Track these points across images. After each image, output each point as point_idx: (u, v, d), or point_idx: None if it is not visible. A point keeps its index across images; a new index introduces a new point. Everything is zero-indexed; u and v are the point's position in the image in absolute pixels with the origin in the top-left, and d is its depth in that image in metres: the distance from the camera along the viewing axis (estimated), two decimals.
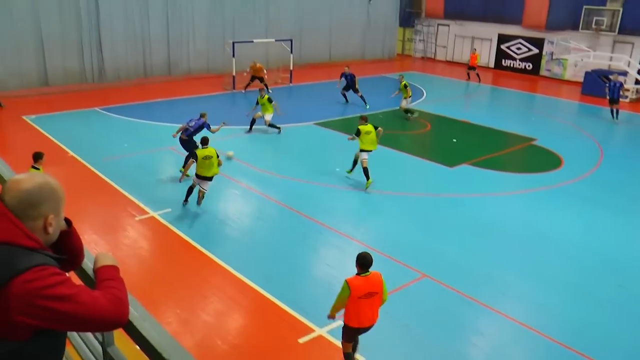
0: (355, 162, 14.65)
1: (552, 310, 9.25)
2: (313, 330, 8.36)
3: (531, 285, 9.98)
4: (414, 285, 9.76)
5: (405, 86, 21.22)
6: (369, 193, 13.86)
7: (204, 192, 12.42)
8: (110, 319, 2.06)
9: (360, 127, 14.05)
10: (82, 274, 2.39)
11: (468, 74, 30.13)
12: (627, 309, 9.31)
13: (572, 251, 11.27)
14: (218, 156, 12.34)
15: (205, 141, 12.44)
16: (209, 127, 14.46)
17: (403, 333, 8.50)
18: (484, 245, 11.38)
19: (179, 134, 14.36)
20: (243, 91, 24.56)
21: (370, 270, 6.86)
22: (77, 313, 1.98)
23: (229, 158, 15.46)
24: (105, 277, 2.22)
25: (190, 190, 12.66)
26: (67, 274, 2.08)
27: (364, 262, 6.80)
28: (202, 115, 14.54)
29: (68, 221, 2.35)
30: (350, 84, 23.00)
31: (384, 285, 6.95)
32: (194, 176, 12.48)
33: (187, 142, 14.29)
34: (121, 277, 2.27)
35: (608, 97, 22.27)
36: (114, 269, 2.30)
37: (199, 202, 12.53)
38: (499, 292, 9.70)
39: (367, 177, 13.90)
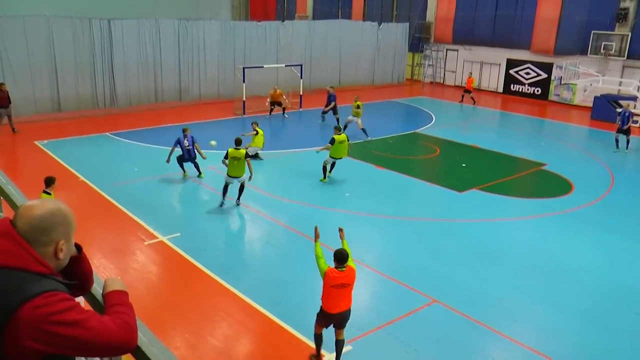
0: (325, 169, 16.28)
1: (564, 336, 9.13)
2: (323, 356, 8.29)
3: (543, 311, 9.87)
4: (424, 311, 9.69)
5: (358, 106, 21.87)
6: (377, 218, 13.82)
7: (243, 184, 14.04)
8: (119, 344, 2.06)
9: (335, 136, 15.95)
10: (92, 299, 2.41)
11: (462, 97, 30.51)
12: None
13: (584, 277, 11.16)
14: (247, 155, 13.76)
15: (238, 142, 13.93)
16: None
17: (413, 358, 8.41)
18: (494, 270, 11.29)
19: (170, 156, 15.80)
20: (268, 116, 24.87)
21: (346, 266, 7.75)
22: (87, 339, 1.99)
23: (212, 147, 15.99)
24: (115, 302, 2.24)
25: (225, 190, 14.05)
26: (76, 300, 2.09)
27: (339, 257, 7.73)
28: (184, 130, 15.98)
29: (78, 247, 2.38)
30: (333, 100, 23.60)
31: (355, 272, 7.88)
32: (226, 175, 13.91)
33: (193, 159, 16.10)
34: (130, 303, 2.28)
35: (618, 126, 21.49)
36: (123, 294, 2.31)
37: (238, 199, 14.19)
38: (510, 317, 9.60)
39: (325, 176, 16.22)
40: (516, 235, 13.09)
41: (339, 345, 8.00)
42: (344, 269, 7.71)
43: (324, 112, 24.26)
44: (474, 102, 30.11)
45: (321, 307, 7.91)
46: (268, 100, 25.18)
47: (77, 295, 2.32)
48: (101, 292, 2.34)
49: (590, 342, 8.97)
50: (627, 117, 20.94)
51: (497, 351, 8.80)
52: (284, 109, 25.18)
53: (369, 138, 21.25)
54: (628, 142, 21.31)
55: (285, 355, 8.46)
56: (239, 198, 14.24)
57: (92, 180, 15.72)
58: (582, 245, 12.74)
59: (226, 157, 13.77)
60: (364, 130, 21.38)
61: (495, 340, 8.99)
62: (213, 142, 15.84)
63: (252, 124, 18.09)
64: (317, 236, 8.53)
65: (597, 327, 9.40)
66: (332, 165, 16.46)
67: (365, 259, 11.52)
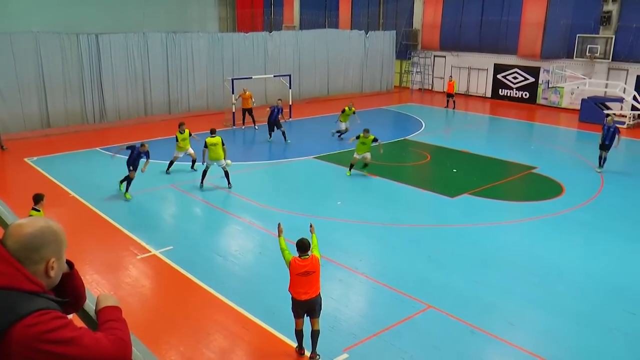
0: (352, 165, 17.79)
1: (561, 339, 9.15)
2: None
3: (538, 314, 9.89)
4: (419, 317, 9.68)
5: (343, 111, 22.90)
6: (370, 226, 13.83)
7: (226, 167, 16.28)
8: None
9: (371, 137, 17.69)
10: (85, 315, 2.39)
11: (447, 102, 30.74)
12: (637, 336, 9.21)
13: (578, 279, 11.20)
14: (223, 144, 16.17)
15: (212, 131, 16.42)
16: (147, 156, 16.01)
17: None
18: (488, 274, 11.31)
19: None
20: (256, 127, 24.69)
21: (309, 253, 8.21)
22: (80, 356, 1.97)
23: (227, 165, 16.46)
24: (108, 319, 2.22)
25: (204, 174, 16.25)
26: (69, 317, 2.08)
27: (301, 245, 8.20)
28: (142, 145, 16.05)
29: (70, 263, 2.36)
30: (275, 118, 22.02)
31: (319, 259, 8.32)
32: (208, 160, 16.03)
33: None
34: (123, 318, 2.27)
35: (600, 141, 18.89)
36: (116, 309, 2.29)
37: (229, 184, 16.26)
38: (505, 321, 9.61)
39: (350, 169, 17.82)
40: (509, 239, 13.13)
41: (314, 335, 8.33)
42: (307, 256, 8.18)
43: (271, 128, 22.41)
44: (454, 106, 30.45)
45: (291, 296, 8.34)
46: (236, 98, 24.79)
47: (70, 313, 2.30)
48: (94, 308, 2.33)
49: (587, 344, 8.99)
50: (612, 133, 18.47)
51: (494, 355, 8.80)
52: (254, 121, 24.80)
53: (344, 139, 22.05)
54: (605, 159, 18.83)
55: None
56: (229, 182, 16.27)
57: (83, 195, 15.64)
58: (574, 247, 12.80)
59: (205, 146, 16.04)
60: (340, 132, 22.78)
61: (491, 344, 8.99)
62: (229, 162, 16.51)
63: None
64: (280, 232, 8.84)
65: (593, 328, 9.42)
66: (363, 157, 17.75)
67: (359, 266, 11.52)
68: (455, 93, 31.11)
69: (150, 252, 12.20)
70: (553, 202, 15.78)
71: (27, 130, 22.85)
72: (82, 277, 2.43)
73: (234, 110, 25.17)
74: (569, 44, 30.10)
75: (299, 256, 8.24)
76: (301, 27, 42.32)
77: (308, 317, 8.40)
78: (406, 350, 8.65)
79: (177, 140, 17.73)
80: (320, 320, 8.42)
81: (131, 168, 15.49)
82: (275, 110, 22.06)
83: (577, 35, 29.30)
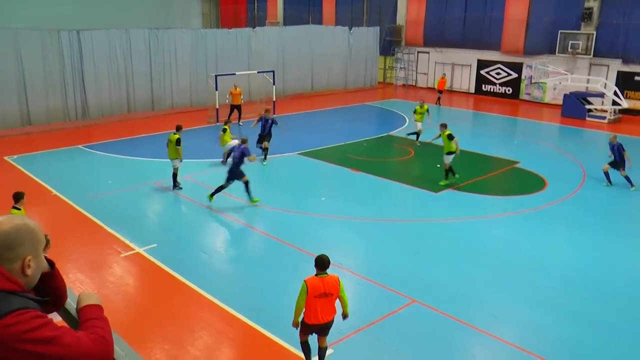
0: (447, 171, 16.71)
1: (544, 331, 9.24)
2: None
3: (522, 307, 9.98)
4: (404, 311, 9.72)
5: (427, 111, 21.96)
6: (354, 221, 13.86)
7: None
8: (95, 359, 2.03)
9: (448, 132, 16.56)
10: (66, 314, 2.37)
11: (438, 99, 30.69)
12: (618, 327, 9.33)
13: (560, 271, 11.32)
14: (178, 143, 15.43)
15: (177, 127, 15.75)
16: (248, 153, 14.90)
17: (394, 359, 8.44)
18: (472, 268, 11.39)
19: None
20: (240, 124, 24.56)
21: (327, 272, 7.36)
22: (61, 355, 1.95)
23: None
24: (89, 317, 2.20)
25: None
26: (49, 316, 2.06)
27: (320, 263, 7.33)
28: (243, 142, 15.19)
29: (51, 262, 2.34)
30: (268, 131, 18.96)
31: (340, 287, 7.42)
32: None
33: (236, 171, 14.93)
34: (105, 316, 2.25)
35: (610, 161, 17.01)
36: (97, 308, 2.27)
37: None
38: (490, 315, 9.68)
39: (453, 173, 16.68)
40: (493, 233, 13.22)
41: (321, 352, 7.91)
42: (325, 275, 7.33)
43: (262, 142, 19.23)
44: (439, 102, 30.40)
45: (304, 321, 7.55)
46: (227, 96, 24.77)
47: (51, 312, 2.28)
48: (75, 307, 2.31)
49: (570, 336, 9.09)
50: (618, 150, 16.69)
51: (479, 348, 8.87)
52: (239, 116, 24.77)
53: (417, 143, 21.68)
54: (627, 178, 16.60)
55: None
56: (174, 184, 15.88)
57: (66, 194, 15.49)
58: (557, 240, 12.93)
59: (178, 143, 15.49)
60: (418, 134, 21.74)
61: (476, 337, 9.06)
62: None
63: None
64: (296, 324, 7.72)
65: (576, 321, 9.53)
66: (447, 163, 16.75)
67: (344, 262, 11.53)
68: (445, 90, 31.08)
69: (134, 250, 12.12)
70: (536, 196, 15.92)
71: (7, 128, 22.56)
72: (65, 276, 2.41)
73: (217, 107, 25.05)
74: (551, 40, 30.37)
75: (316, 274, 7.37)
76: (285, 23, 42.23)
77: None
78: (391, 344, 8.69)
79: (178, 144, 15.62)
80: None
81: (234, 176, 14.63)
82: (270, 122, 18.91)
83: (559, 31, 29.58)
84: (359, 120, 26.83)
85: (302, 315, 7.53)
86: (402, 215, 14.50)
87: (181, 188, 15.95)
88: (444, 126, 16.87)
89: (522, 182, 17.48)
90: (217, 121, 25.05)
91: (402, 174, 18.69)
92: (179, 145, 15.49)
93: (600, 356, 8.59)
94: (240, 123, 24.62)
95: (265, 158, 18.72)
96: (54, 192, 15.69)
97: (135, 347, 2.18)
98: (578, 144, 23.04)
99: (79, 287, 10.39)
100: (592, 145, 23.84)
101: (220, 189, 14.66)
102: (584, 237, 13.12)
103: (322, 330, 7.68)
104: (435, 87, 32.18)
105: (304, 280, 7.33)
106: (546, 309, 9.90)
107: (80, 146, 20.78)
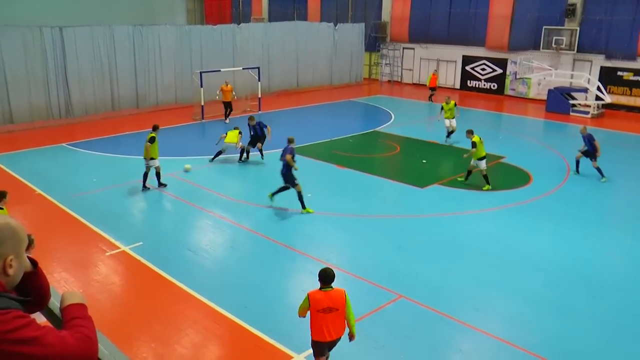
0: (470, 172, 16.33)
1: (529, 324, 9.32)
2: (292, 357, 8.29)
3: (507, 300, 10.06)
4: (390, 306, 9.76)
5: (455, 105, 21.51)
6: (340, 217, 13.87)
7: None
8: (79, 358, 2.02)
9: (474, 139, 16.04)
10: (49, 313, 2.35)
11: (430, 96, 30.46)
12: (601, 319, 9.44)
13: (545, 265, 11.41)
14: (152, 141, 15.18)
15: (155, 127, 15.59)
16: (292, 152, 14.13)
17: (381, 354, 8.47)
18: (458, 263, 11.45)
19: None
20: (226, 121, 24.46)
21: (333, 286, 7.05)
22: (45, 355, 1.93)
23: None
24: (73, 316, 2.18)
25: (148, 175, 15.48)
26: (32, 316, 2.04)
27: (324, 276, 7.04)
28: (289, 141, 14.58)
29: (34, 262, 2.31)
30: (258, 137, 18.60)
31: (347, 303, 7.07)
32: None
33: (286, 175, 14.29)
34: (89, 315, 2.23)
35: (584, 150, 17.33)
36: (81, 307, 2.25)
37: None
38: (475, 309, 9.74)
39: (487, 182, 16.00)
40: (478, 228, 13.30)
41: None
42: (329, 289, 7.03)
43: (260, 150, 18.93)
44: (431, 99, 30.34)
45: (311, 338, 7.22)
46: (218, 92, 24.65)
47: (34, 311, 2.26)
48: (59, 306, 2.29)
49: (554, 329, 9.17)
50: (589, 140, 17.09)
51: (465, 342, 8.92)
52: (228, 114, 24.71)
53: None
54: (598, 169, 16.96)
55: (254, 359, 8.42)
56: (144, 185, 15.58)
57: (50, 192, 15.35)
58: (542, 234, 13.03)
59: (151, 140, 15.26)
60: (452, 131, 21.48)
61: (462, 331, 9.12)
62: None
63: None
64: None
65: (560, 314, 9.62)
66: (482, 169, 16.06)
67: (330, 258, 11.54)
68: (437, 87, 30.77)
69: (119, 248, 12.05)
70: (521, 191, 16.04)
71: None
72: (50, 276, 2.39)
73: (202, 104, 24.94)
74: (535, 36, 30.55)
75: (320, 288, 7.07)
76: (270, 20, 42.08)
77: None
78: (378, 339, 8.72)
79: (152, 142, 15.39)
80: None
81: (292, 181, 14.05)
82: (259, 125, 18.53)
83: (544, 27, 29.75)
84: (345, 117, 26.84)
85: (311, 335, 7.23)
86: (389, 211, 14.54)
87: (165, 185, 15.80)
88: (470, 132, 16.53)
89: (508, 177, 17.59)
90: (202, 118, 24.94)
91: (388, 170, 18.74)
92: (152, 142, 15.25)
93: (585, 348, 8.68)
94: (227, 121, 24.51)
95: (262, 157, 18.79)
96: (38, 191, 15.54)
97: (121, 346, 2.17)
98: (562, 139, 23.21)
99: (64, 286, 10.31)
100: (576, 139, 23.93)
101: (282, 189, 14.31)
102: (569, 231, 13.24)
103: (331, 347, 7.39)
104: (427, 84, 31.97)
105: (307, 293, 7.09)
106: (532, 302, 9.98)
107: (64, 144, 20.59)
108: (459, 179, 16.69)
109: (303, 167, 18.15)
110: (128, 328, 9.15)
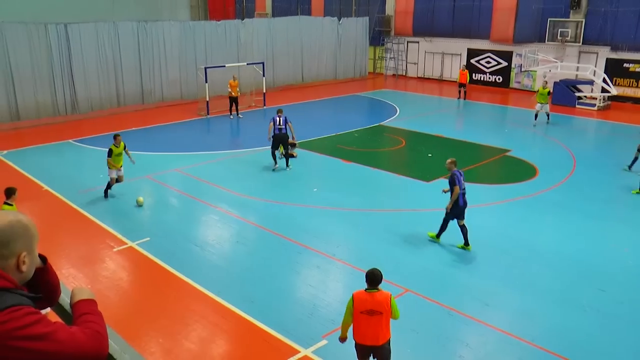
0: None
1: (535, 317, 9.32)
2: (298, 352, 8.32)
3: (513, 294, 10.06)
4: (397, 301, 9.69)
5: (548, 93, 23.09)
6: (346, 212, 13.89)
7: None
8: (90, 354, 2.03)
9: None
10: (60, 309, 2.37)
11: (459, 92, 29.60)
12: (607, 312, 9.43)
13: (551, 258, 11.40)
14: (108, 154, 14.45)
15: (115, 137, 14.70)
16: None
17: None
18: (465, 257, 11.45)
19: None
20: (240, 116, 24.45)
21: (379, 288, 6.88)
22: (56, 351, 1.95)
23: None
24: (83, 312, 2.20)
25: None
26: (43, 312, 2.06)
27: (371, 277, 6.86)
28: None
29: (43, 258, 2.33)
30: (282, 135, 17.11)
31: (393, 306, 6.87)
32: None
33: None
34: (99, 311, 2.25)
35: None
36: (91, 302, 2.27)
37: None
38: (482, 302, 9.75)
39: None
40: (485, 221, 13.28)
41: None
42: (375, 291, 6.84)
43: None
44: (465, 96, 29.40)
45: (353, 338, 7.06)
46: (228, 89, 24.60)
47: (45, 308, 2.28)
48: (69, 302, 2.30)
49: (560, 322, 9.17)
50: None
51: (471, 336, 8.93)
52: (236, 109, 24.67)
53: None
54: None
55: (261, 354, 8.45)
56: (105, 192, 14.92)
57: (57, 189, 15.42)
58: (548, 227, 13.02)
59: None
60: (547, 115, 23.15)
61: (469, 325, 9.13)
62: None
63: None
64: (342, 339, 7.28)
65: (566, 307, 9.62)
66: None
67: (336, 252, 11.57)
68: (468, 82, 29.84)
69: (126, 244, 12.10)
70: (527, 184, 16.00)
71: None
72: (58, 272, 2.41)
73: (207, 99, 24.97)
74: (540, 28, 30.41)
75: (365, 289, 6.91)
76: (273, 15, 42.05)
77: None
78: None
79: (109, 156, 14.56)
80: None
81: None
82: (284, 120, 17.21)
83: (549, 19, 29.61)
84: (350, 111, 26.82)
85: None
86: (394, 205, 14.54)
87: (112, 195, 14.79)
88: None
89: (513, 170, 17.56)
90: (208, 113, 24.97)
91: (393, 164, 18.73)
92: (110, 156, 14.43)
93: (588, 340, 8.68)
94: (231, 116, 24.51)
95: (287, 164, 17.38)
96: (45, 187, 15.61)
97: (130, 342, 2.19)
98: (568, 132, 23.13)
99: (72, 282, 10.37)
100: (583, 132, 23.97)
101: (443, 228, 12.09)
102: (575, 224, 13.21)
103: (377, 353, 7.07)
104: (457, 80, 30.52)
105: (352, 294, 6.95)
106: (537, 295, 9.98)
107: (70, 141, 20.67)
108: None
109: (309, 161, 18.22)
110: (136, 323, 9.20)
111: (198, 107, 25.93)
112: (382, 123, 23.96)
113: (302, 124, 23.25)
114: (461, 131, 22.35)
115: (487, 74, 33.73)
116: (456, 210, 11.60)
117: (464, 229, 11.66)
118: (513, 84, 32.64)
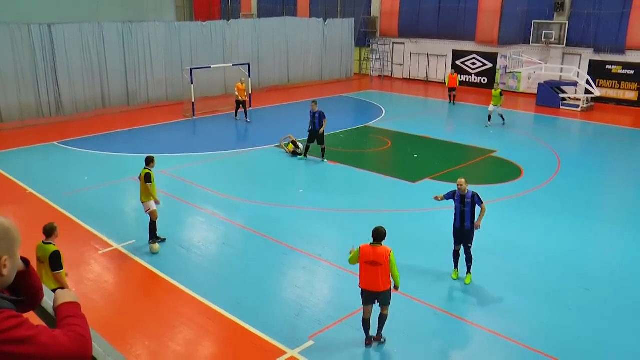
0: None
1: (522, 316, 9.39)
2: (285, 353, 8.32)
3: (500, 293, 10.12)
4: None
5: (500, 94, 23.52)
6: (332, 213, 13.89)
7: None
8: (74, 357, 2.02)
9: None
10: (43, 313, 2.35)
11: (449, 96, 29.14)
12: (592, 311, 9.53)
13: (537, 258, 11.49)
14: (146, 179, 11.69)
15: (148, 160, 11.98)
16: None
17: (375, 348, 8.50)
18: (450, 257, 11.47)
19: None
20: (248, 120, 24.19)
21: (382, 243, 8.13)
22: (38, 355, 1.94)
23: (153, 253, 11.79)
24: (66, 315, 2.18)
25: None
26: (25, 316, 2.04)
27: (376, 234, 8.17)
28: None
29: (26, 261, 2.31)
30: (317, 127, 17.90)
31: (390, 261, 8.05)
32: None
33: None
34: (83, 314, 2.23)
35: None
36: (74, 305, 2.25)
37: None
38: (468, 302, 9.81)
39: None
40: None
41: (381, 318, 8.43)
42: (378, 245, 8.10)
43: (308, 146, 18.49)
44: (454, 99, 29.07)
45: (359, 285, 8.29)
46: (236, 92, 24.20)
47: (27, 311, 2.26)
48: (52, 305, 2.29)
49: (545, 320, 9.25)
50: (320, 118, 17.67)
51: (458, 336, 8.98)
52: (246, 112, 24.31)
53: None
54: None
55: (247, 355, 8.43)
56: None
57: (41, 191, 15.26)
58: (534, 227, 13.11)
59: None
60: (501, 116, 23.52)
61: (455, 325, 9.17)
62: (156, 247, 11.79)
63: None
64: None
65: (551, 306, 9.70)
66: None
67: (322, 253, 11.58)
68: (457, 86, 29.49)
69: (112, 246, 12.02)
70: (513, 185, 16.11)
71: None
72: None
73: (193, 101, 24.86)
74: (525, 30, 30.65)
75: (371, 243, 8.21)
76: (259, 15, 41.99)
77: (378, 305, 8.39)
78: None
79: (149, 181, 11.81)
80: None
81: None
82: (317, 115, 17.99)
83: (533, 21, 29.85)
84: (336, 112, 26.76)
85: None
86: (380, 206, 14.57)
87: (164, 240, 12.15)
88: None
89: (499, 171, 17.68)
90: (194, 115, 24.87)
91: (379, 165, 18.77)
92: (149, 182, 11.71)
93: (575, 340, 8.76)
94: (247, 119, 24.16)
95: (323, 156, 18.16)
96: (29, 189, 15.45)
97: (115, 344, 2.18)
98: (553, 133, 23.33)
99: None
100: (567, 133, 24.18)
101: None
102: (561, 224, 13.32)
103: (379, 299, 8.26)
104: (446, 84, 30.17)
105: (359, 246, 8.22)
106: (523, 294, 10.05)
107: (54, 142, 20.48)
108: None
109: (294, 162, 18.21)
110: (122, 326, 9.14)
111: (184, 109, 25.81)
112: (368, 124, 24.01)
113: (288, 124, 23.24)
114: (447, 132, 22.47)
115: (473, 75, 33.92)
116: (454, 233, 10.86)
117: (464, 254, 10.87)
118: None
